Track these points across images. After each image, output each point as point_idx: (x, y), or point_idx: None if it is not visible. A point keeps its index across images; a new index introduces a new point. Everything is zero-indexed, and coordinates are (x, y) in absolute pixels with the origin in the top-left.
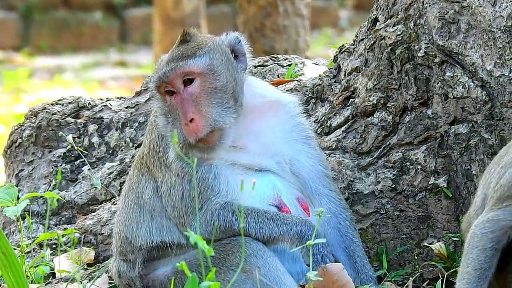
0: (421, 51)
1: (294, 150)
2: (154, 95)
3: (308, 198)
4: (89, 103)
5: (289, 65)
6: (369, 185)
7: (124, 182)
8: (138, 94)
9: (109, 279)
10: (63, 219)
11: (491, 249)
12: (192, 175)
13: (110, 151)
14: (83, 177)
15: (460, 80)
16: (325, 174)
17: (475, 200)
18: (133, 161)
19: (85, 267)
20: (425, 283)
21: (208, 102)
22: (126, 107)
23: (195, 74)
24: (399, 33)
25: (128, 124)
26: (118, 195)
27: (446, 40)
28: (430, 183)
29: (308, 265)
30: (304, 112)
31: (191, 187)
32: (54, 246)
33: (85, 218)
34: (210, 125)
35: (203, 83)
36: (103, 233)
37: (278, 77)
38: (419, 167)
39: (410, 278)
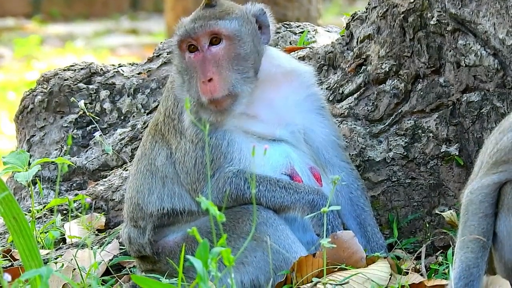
0: (433, 19)
1: (307, 120)
2: (173, 51)
3: (321, 168)
4: (101, 69)
5: (302, 32)
6: (380, 153)
7: (135, 148)
8: (150, 60)
9: (119, 245)
10: (74, 185)
11: (491, 215)
12: (205, 142)
13: (122, 117)
14: (94, 143)
15: (472, 49)
16: (338, 144)
17: (473, 170)
18: (147, 128)
19: (96, 233)
20: (438, 252)
21: (229, 66)
22: (138, 73)
23: (222, 36)
24: (411, 1)
25: (140, 90)
26: (130, 161)
27: (459, 8)
28: (441, 151)
29: (318, 235)
30: (318, 83)
31: (204, 153)
32: (65, 212)
33: (96, 184)
34: (228, 88)
35: (228, 46)
36: (114, 199)
37: (291, 44)
38: (431, 135)
39: (423, 245)
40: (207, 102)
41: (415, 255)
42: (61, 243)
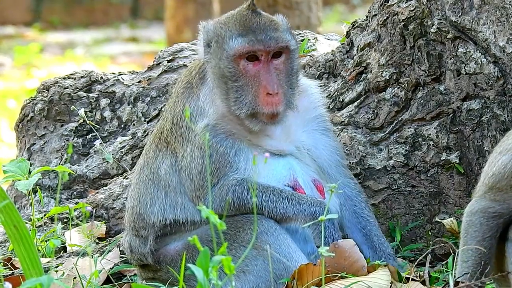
0: (434, 27)
1: (312, 139)
2: (218, 55)
3: (324, 181)
4: (101, 77)
5: (302, 40)
6: (381, 161)
7: (136, 156)
8: (150, 68)
9: (120, 253)
10: (75, 193)
11: (490, 238)
12: (215, 149)
13: (122, 126)
14: (95, 151)
15: (472, 56)
16: (342, 164)
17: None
18: (150, 136)
19: (97, 241)
20: (439, 260)
21: (286, 80)
22: (139, 82)
23: (285, 50)
24: (412, 8)
25: (140, 99)
26: (130, 170)
27: (459, 16)
28: (442, 159)
29: (319, 247)
30: (324, 105)
31: (211, 161)
32: (65, 220)
33: (97, 192)
34: (285, 103)
35: (286, 60)
36: (115, 207)
37: None
38: (431, 142)
39: (428, 254)
40: (267, 113)
41: (416, 263)
42: (62, 252)
